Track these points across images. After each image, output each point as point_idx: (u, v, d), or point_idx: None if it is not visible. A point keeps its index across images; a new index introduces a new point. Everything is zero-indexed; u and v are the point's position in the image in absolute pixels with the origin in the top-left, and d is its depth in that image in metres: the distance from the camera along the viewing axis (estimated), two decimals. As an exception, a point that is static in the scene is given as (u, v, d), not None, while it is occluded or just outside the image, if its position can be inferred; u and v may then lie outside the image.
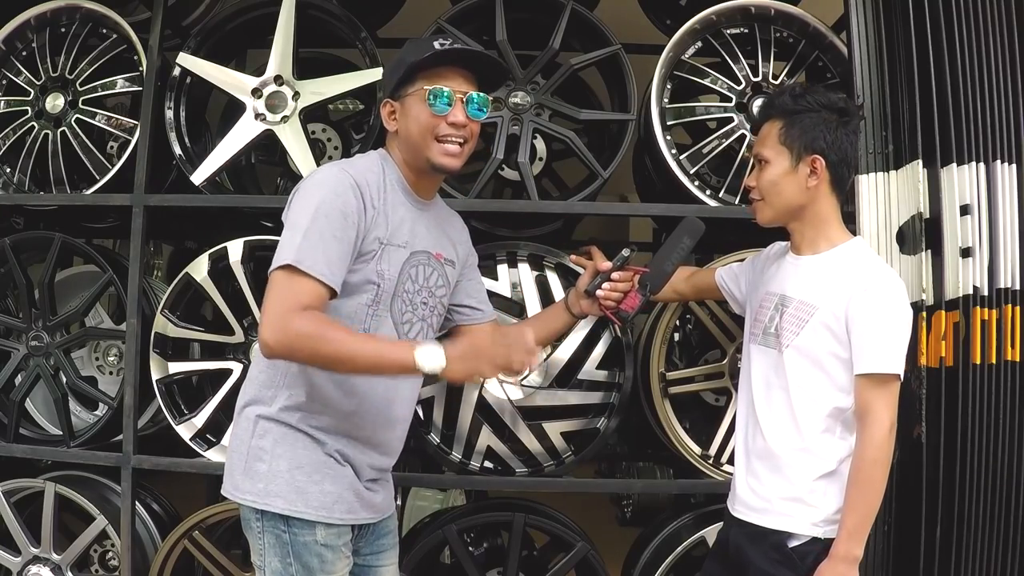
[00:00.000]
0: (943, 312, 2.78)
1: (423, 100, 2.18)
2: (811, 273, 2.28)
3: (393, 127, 2.25)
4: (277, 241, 3.03)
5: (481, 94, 2.24)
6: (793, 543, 2.21)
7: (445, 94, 2.18)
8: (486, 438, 3.14)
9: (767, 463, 2.28)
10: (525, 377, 3.09)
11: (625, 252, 2.45)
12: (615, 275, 2.44)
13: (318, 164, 3.21)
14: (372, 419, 2.24)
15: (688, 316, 3.44)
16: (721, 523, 2.54)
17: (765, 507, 2.26)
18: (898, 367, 2.16)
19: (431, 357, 1.98)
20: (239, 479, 2.20)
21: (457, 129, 2.20)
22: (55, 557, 3.29)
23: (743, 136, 3.20)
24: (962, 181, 2.80)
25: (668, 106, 3.27)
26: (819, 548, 2.19)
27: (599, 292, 2.42)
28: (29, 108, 3.43)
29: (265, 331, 2.02)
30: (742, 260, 2.77)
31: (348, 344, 2.02)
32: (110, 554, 3.53)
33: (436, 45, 2.21)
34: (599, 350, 3.15)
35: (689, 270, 2.90)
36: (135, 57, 3.34)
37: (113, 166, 3.29)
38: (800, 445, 2.23)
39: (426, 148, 2.20)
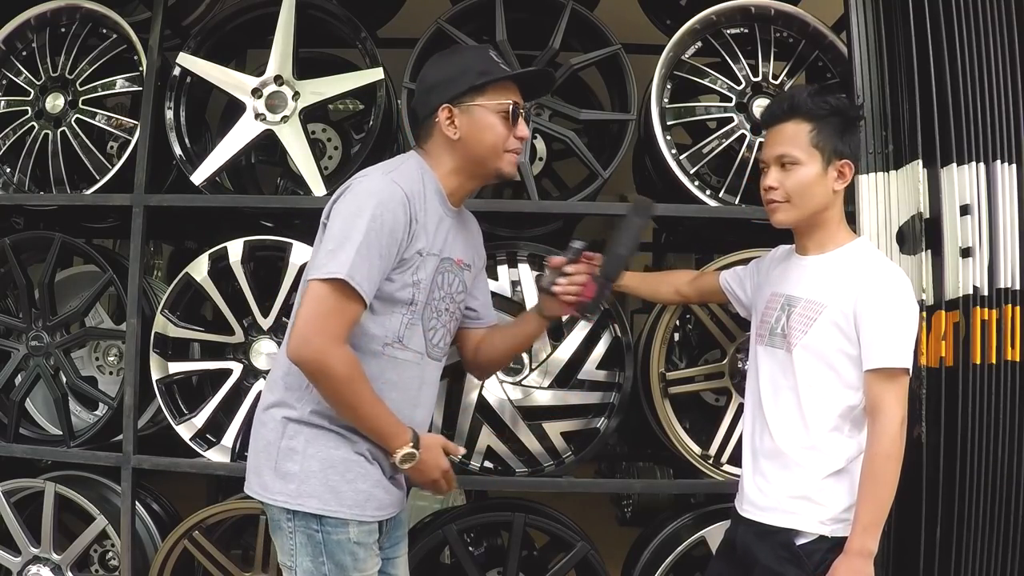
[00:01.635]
0: (943, 312, 2.78)
1: (500, 113, 2.24)
2: (818, 272, 2.29)
3: (453, 134, 2.24)
4: (276, 241, 3.13)
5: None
6: (801, 541, 2.22)
7: (519, 109, 2.27)
8: (486, 438, 3.14)
9: (775, 462, 2.29)
10: (523, 379, 3.11)
11: (576, 244, 2.39)
12: (569, 268, 2.36)
13: (318, 164, 3.22)
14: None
15: (688, 316, 3.44)
16: (725, 522, 2.55)
17: (773, 506, 2.27)
18: (907, 361, 2.17)
19: (405, 463, 2.18)
20: (268, 480, 2.20)
21: (522, 142, 2.30)
22: (55, 557, 3.29)
23: (743, 136, 3.20)
24: (962, 181, 2.80)
25: (668, 106, 3.27)
26: (826, 546, 2.19)
27: (555, 288, 2.35)
28: (29, 108, 3.43)
29: (303, 346, 2.07)
30: (744, 260, 2.77)
31: (364, 406, 2.13)
32: (110, 554, 3.53)
33: (494, 56, 2.28)
34: (599, 350, 3.16)
35: (692, 273, 2.91)
36: (135, 57, 3.35)
37: (113, 166, 3.29)
38: (808, 444, 2.24)
39: (498, 159, 2.26)
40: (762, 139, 3.04)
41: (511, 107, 2.24)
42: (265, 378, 3.14)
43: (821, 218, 2.31)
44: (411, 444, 2.16)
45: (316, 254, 2.14)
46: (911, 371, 2.19)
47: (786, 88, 3.25)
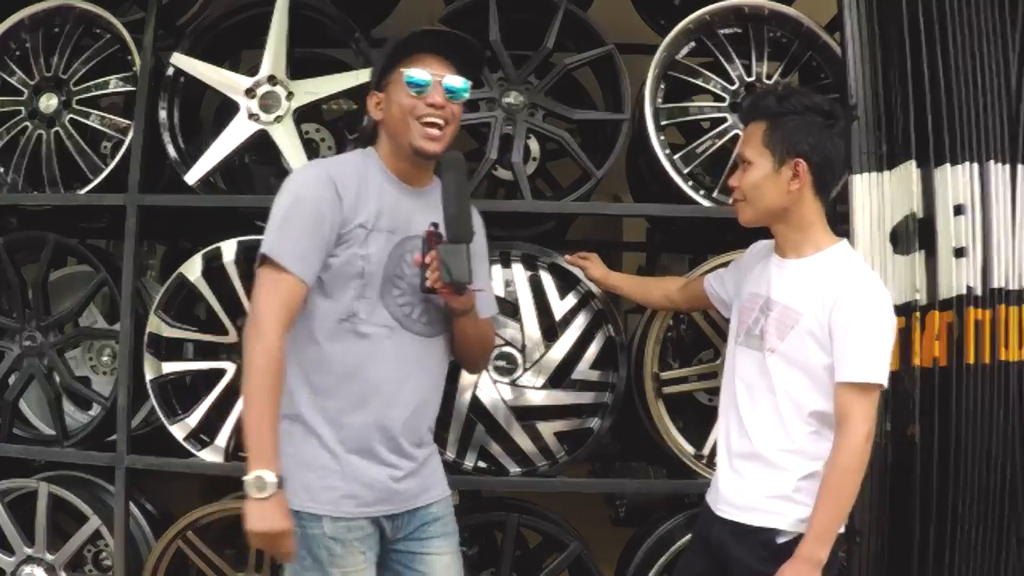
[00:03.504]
0: (936, 312, 2.78)
1: (402, 83, 2.26)
2: (796, 278, 2.28)
3: (379, 116, 2.34)
4: (270, 241, 3.12)
5: (459, 77, 2.31)
6: (781, 539, 2.22)
7: (422, 75, 2.26)
8: (480, 438, 3.14)
9: (753, 463, 2.29)
10: (517, 379, 3.11)
11: (423, 234, 2.27)
12: (428, 259, 2.23)
13: (312, 164, 3.22)
14: (376, 405, 2.25)
15: (682, 316, 3.44)
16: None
17: (752, 506, 2.27)
18: (881, 376, 2.16)
19: (251, 486, 2.05)
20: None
21: (436, 109, 2.26)
22: (49, 557, 3.28)
23: (737, 136, 3.20)
24: (956, 181, 2.80)
25: (662, 106, 3.27)
26: None
27: (428, 284, 2.23)
28: (23, 108, 3.43)
29: (248, 329, 2.16)
30: (731, 261, 2.77)
31: (253, 404, 2.11)
32: (104, 554, 3.52)
33: (421, 34, 2.32)
34: (593, 350, 3.16)
35: (682, 280, 2.91)
36: (129, 57, 3.35)
37: (107, 166, 3.29)
38: (789, 447, 2.24)
39: (407, 131, 2.26)
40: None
41: (406, 75, 2.25)
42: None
43: (789, 218, 2.30)
44: (272, 475, 2.05)
45: None
46: (885, 385, 2.19)
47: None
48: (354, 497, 2.23)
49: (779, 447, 2.25)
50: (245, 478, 2.05)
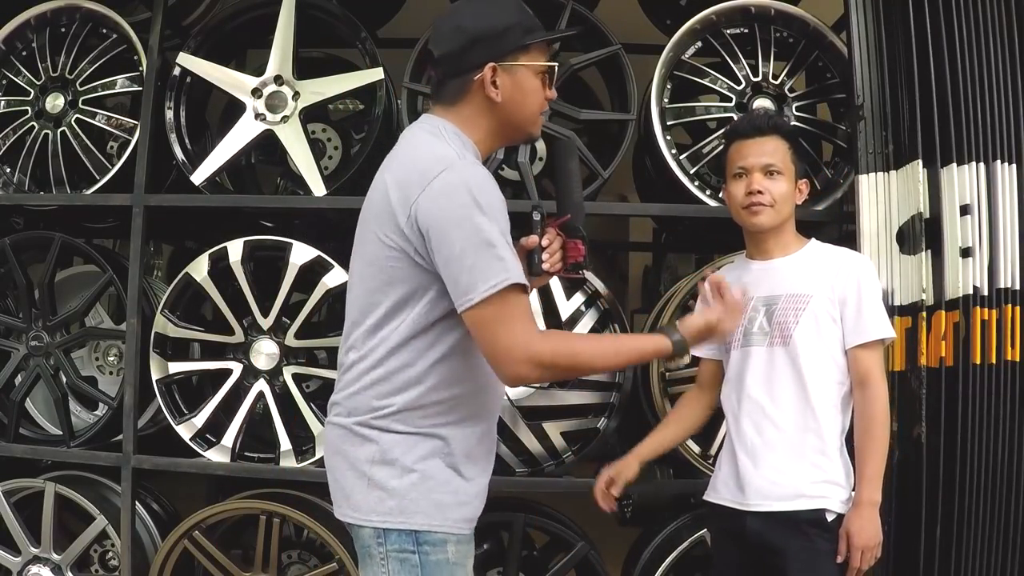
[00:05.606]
0: (943, 312, 2.78)
1: (540, 75, 2.02)
2: (793, 269, 2.47)
3: (496, 95, 1.98)
4: (276, 241, 3.13)
5: None
6: (830, 517, 2.35)
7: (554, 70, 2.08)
8: (486, 438, 3.14)
9: (785, 453, 2.38)
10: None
11: (536, 216, 2.12)
12: (545, 242, 2.10)
13: (318, 164, 3.23)
14: (494, 412, 2.12)
15: (687, 315, 3.43)
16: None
17: (797, 493, 2.36)
18: (892, 331, 2.42)
19: (679, 345, 2.10)
20: (359, 499, 1.95)
21: (548, 104, 2.11)
22: (55, 557, 3.29)
23: (744, 136, 3.20)
24: (962, 181, 2.79)
25: (668, 106, 3.27)
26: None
27: (544, 267, 2.10)
28: (29, 108, 3.44)
29: (518, 366, 1.87)
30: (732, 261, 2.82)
31: (601, 351, 2.08)
32: (110, 554, 3.53)
33: (530, 11, 2.07)
34: (599, 350, 3.15)
35: (693, 390, 2.79)
36: (135, 57, 3.35)
37: (113, 166, 3.30)
38: (814, 426, 2.38)
39: (533, 123, 2.07)
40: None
41: (549, 70, 2.04)
42: (266, 378, 3.15)
43: (787, 225, 2.52)
44: (671, 339, 2.09)
45: (454, 275, 1.85)
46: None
47: (786, 88, 3.27)
48: (476, 518, 2.05)
49: (806, 427, 2.38)
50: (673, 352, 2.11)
